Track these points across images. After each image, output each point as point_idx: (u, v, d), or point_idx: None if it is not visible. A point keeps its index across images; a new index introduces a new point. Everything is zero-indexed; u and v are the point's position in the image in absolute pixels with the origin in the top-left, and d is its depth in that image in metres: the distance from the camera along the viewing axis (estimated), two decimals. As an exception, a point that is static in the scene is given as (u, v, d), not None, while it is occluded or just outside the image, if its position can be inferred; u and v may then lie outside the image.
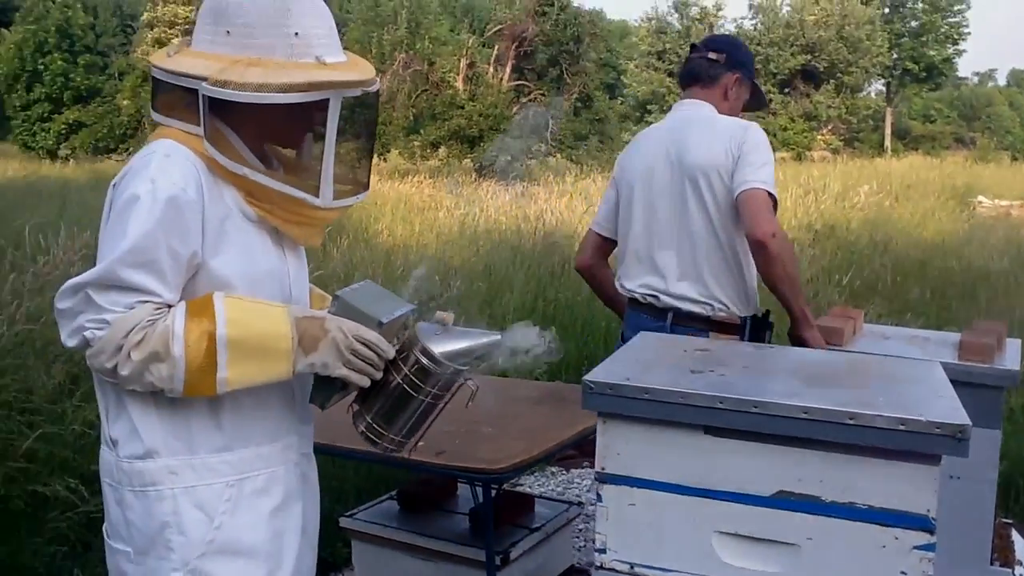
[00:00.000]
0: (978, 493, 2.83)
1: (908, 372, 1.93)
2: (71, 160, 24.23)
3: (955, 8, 47.10)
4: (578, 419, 2.85)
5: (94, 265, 1.51)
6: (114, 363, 1.47)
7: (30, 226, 6.20)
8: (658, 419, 1.71)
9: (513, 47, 24.23)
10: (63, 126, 25.69)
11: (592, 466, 4.53)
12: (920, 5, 47.12)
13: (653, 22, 37.21)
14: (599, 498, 1.78)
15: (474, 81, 22.78)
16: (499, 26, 25.01)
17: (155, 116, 1.66)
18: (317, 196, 1.60)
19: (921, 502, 1.60)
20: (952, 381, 2.01)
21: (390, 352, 1.62)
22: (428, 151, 21.65)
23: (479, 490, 2.80)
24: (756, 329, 2.82)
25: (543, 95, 23.01)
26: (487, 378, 3.89)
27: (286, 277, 1.70)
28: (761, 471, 1.68)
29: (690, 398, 1.68)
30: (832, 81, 35.09)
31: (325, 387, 1.66)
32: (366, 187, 1.72)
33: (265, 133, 1.65)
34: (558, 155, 23.23)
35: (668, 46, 35.85)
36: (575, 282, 5.99)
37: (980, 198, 17.65)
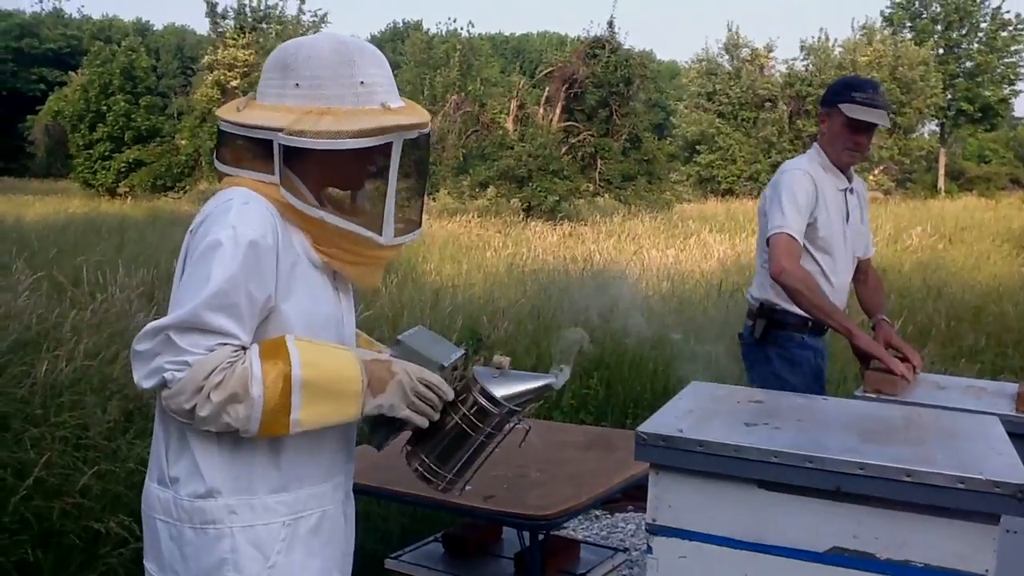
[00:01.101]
0: (1039, 550, 2.75)
1: (966, 427, 1.90)
2: (129, 197, 24.86)
3: (1011, 48, 46.53)
4: (626, 465, 2.84)
5: (164, 307, 1.57)
6: (193, 404, 1.52)
7: (89, 263, 6.38)
8: (711, 472, 1.70)
9: (563, 88, 24.37)
10: (123, 164, 26.38)
11: (636, 510, 4.50)
12: (975, 46, 46.64)
13: (704, 63, 37.26)
14: (650, 550, 1.77)
15: (524, 122, 22.94)
16: (550, 68, 25.20)
17: (222, 167, 1.71)
18: (381, 234, 1.66)
19: (979, 562, 1.56)
20: (1010, 434, 1.97)
21: (450, 394, 1.69)
22: (477, 191, 21.81)
23: (526, 535, 2.79)
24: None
25: (592, 136, 23.08)
26: (536, 422, 3.89)
27: (341, 322, 1.76)
28: (815, 527, 1.66)
29: (744, 452, 1.67)
30: (884, 122, 34.79)
31: (383, 428, 1.72)
32: (419, 224, 1.78)
33: (329, 178, 1.72)
34: (606, 195, 23.26)
35: (718, 87, 35.85)
36: (623, 324, 5.99)
37: (1038, 241, 17.24)
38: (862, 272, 3.52)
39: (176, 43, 61.47)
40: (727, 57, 37.03)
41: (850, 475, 1.60)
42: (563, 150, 22.34)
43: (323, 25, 28.05)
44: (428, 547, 3.30)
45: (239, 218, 1.58)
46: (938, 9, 46.64)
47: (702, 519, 1.73)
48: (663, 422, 1.81)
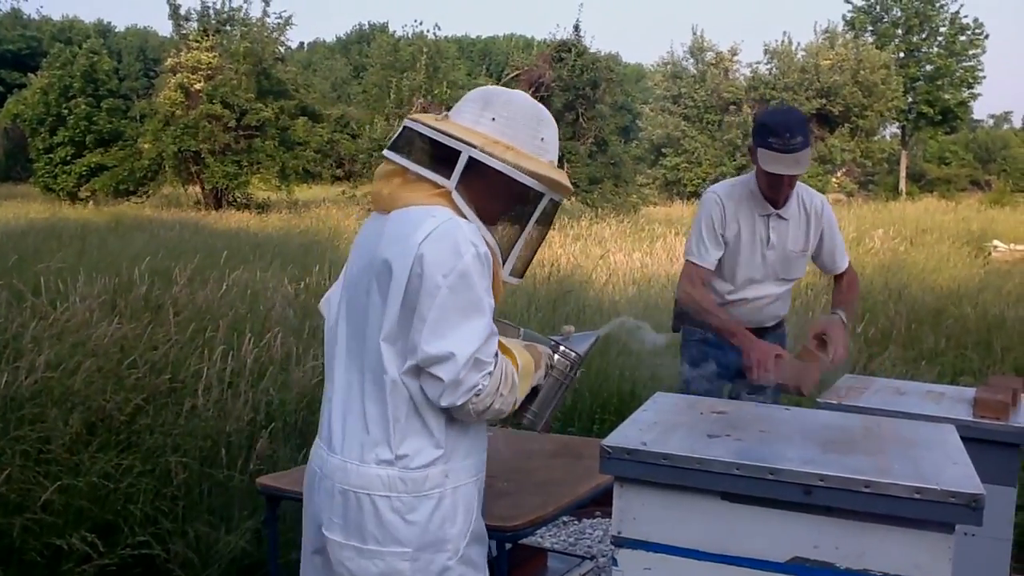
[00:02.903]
0: (993, 550, 2.82)
1: (923, 436, 1.94)
2: (91, 202, 24.51)
3: (970, 52, 47.32)
4: (593, 474, 2.84)
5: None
6: (491, 402, 1.86)
7: (50, 271, 6.29)
8: (675, 484, 1.73)
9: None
10: (84, 168, 25.97)
11: (604, 516, 4.51)
12: (935, 50, 47.38)
13: (669, 66, 37.50)
14: (615, 562, 1.79)
15: (490, 125, 22.95)
16: (516, 71, 25.22)
17: (396, 157, 1.94)
18: (502, 267, 1.96)
19: (936, 570, 1.60)
20: (967, 439, 2.01)
21: (552, 360, 2.13)
22: (443, 195, 21.77)
23: (492, 545, 2.79)
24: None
25: (559, 139, 23.14)
26: (503, 431, 3.89)
27: None
28: (777, 537, 1.68)
29: (707, 464, 1.70)
30: (847, 125, 35.17)
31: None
32: (522, 276, 2.07)
33: (482, 202, 1.93)
34: (572, 198, 23.32)
35: (683, 90, 36.09)
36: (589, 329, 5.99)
37: (996, 243, 17.56)
38: (836, 284, 3.65)
39: (139, 45, 60.77)
40: (692, 60, 37.30)
41: (811, 486, 1.62)
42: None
43: (288, 28, 27.78)
44: (396, 557, 3.29)
45: (472, 234, 1.86)
46: (899, 13, 47.34)
47: (666, 531, 1.75)
48: (627, 435, 1.83)
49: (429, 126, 1.93)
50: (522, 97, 2.01)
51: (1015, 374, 6.35)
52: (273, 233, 14.90)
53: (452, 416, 1.91)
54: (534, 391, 2.08)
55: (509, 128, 1.94)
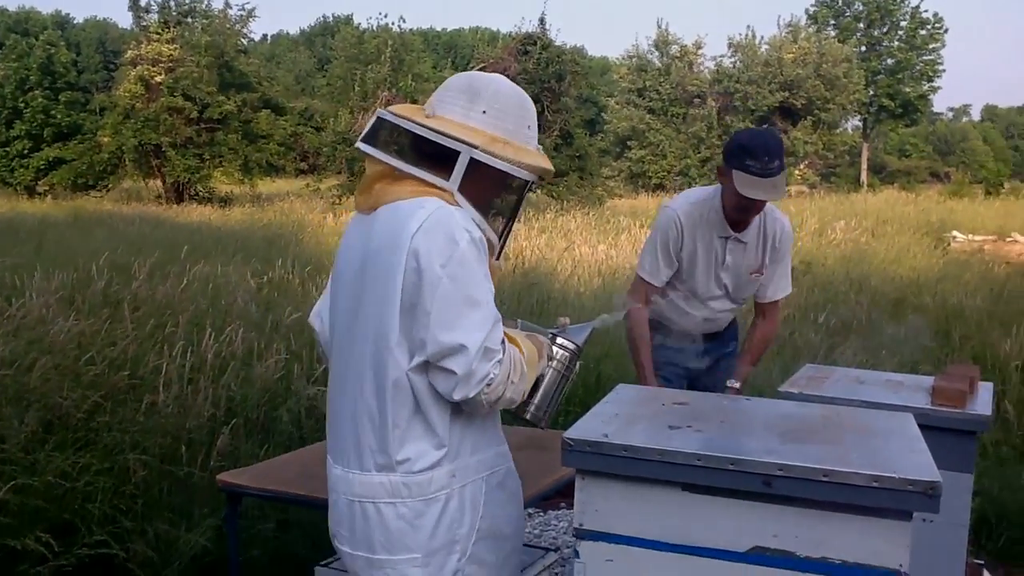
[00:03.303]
0: (951, 536, 2.85)
1: (882, 425, 1.95)
2: (49, 197, 24.10)
3: (929, 46, 47.99)
4: (557, 466, 2.84)
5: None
6: (503, 390, 1.83)
7: (6, 266, 6.17)
8: (637, 476, 1.72)
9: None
10: (42, 162, 25.51)
11: (569, 507, 4.51)
12: (896, 43, 47.98)
13: (634, 59, 37.63)
14: (577, 554, 1.79)
15: (455, 118, 22.83)
16: (481, 64, 25.13)
17: (396, 162, 1.89)
18: (497, 258, 1.96)
19: (893, 557, 1.61)
20: (925, 427, 2.03)
21: (552, 352, 2.09)
22: (408, 188, 21.63)
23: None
24: None
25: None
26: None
27: None
28: (737, 527, 1.69)
29: (668, 455, 1.70)
30: (809, 117, 35.54)
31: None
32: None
33: (476, 192, 1.90)
34: (538, 191, 23.31)
35: (648, 83, 36.24)
36: (554, 321, 5.99)
37: (954, 233, 17.85)
38: (761, 315, 3.55)
39: (98, 37, 59.85)
40: (657, 54, 37.46)
41: (771, 476, 1.63)
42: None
43: (251, 20, 27.48)
44: (360, 552, 3.27)
45: (465, 221, 1.84)
46: (860, 7, 47.89)
47: (628, 522, 1.75)
48: (589, 427, 1.83)
49: (422, 125, 1.88)
50: (506, 84, 1.98)
51: (973, 363, 6.46)
52: (236, 227, 14.75)
53: (457, 411, 1.87)
54: (536, 385, 2.05)
55: (501, 121, 1.92)
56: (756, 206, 3.17)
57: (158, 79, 24.27)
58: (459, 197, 1.85)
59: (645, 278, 3.36)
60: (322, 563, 3.22)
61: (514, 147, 1.90)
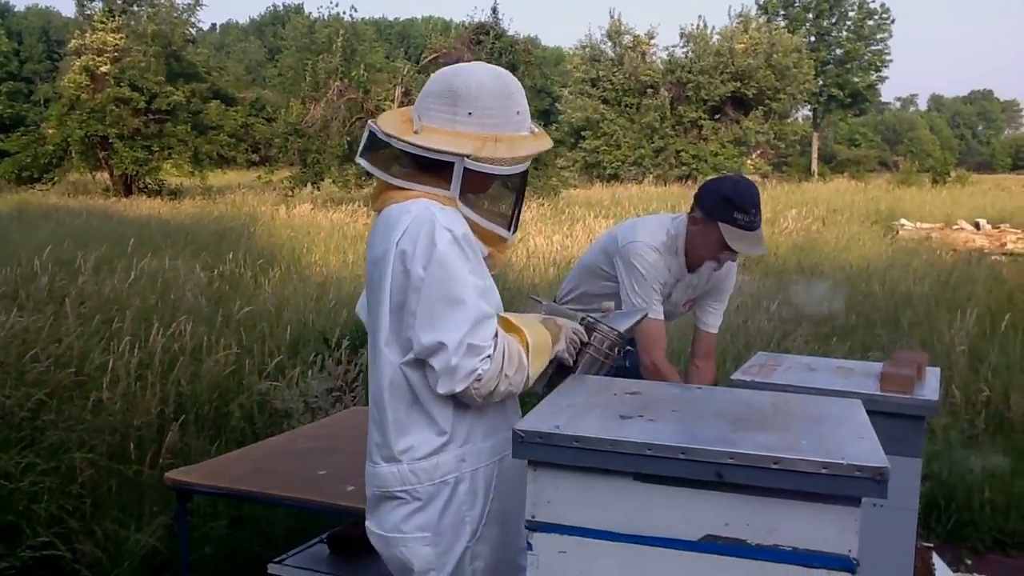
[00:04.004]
0: (900, 520, 2.89)
1: (831, 411, 1.96)
2: (-8, 190, 23.54)
3: (877, 36, 48.79)
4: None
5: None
6: (495, 385, 1.88)
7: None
8: (588, 467, 1.71)
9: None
10: (-16, 155, 24.96)
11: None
12: (844, 34, 48.69)
13: (587, 49, 37.70)
14: (530, 547, 1.77)
15: (409, 108, 22.69)
16: (434, 54, 25.01)
17: (394, 180, 1.97)
18: (509, 231, 2.06)
19: (843, 543, 1.62)
20: (874, 412, 2.05)
21: (585, 337, 2.16)
22: (363, 179, 21.45)
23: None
24: None
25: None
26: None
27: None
28: (689, 516, 1.69)
29: (619, 446, 1.69)
30: (761, 107, 35.90)
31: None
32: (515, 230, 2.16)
33: (475, 185, 1.98)
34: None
35: (602, 73, 36.33)
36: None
37: (903, 221, 18.18)
38: (703, 356, 3.45)
39: (41, 26, 58.38)
40: (610, 44, 37.57)
41: (721, 464, 1.63)
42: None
43: (198, 8, 27.02)
44: (313, 549, 3.24)
45: (446, 220, 1.89)
46: (809, -2, 48.47)
47: (581, 513, 1.74)
48: (539, 418, 1.82)
49: (410, 143, 1.93)
50: (486, 76, 1.98)
51: (921, 348, 6.58)
52: (186, 220, 14.53)
53: (460, 402, 1.94)
54: (567, 370, 2.12)
55: (488, 118, 1.94)
56: (731, 259, 3.11)
57: (104, 69, 23.76)
58: (461, 205, 1.94)
59: (657, 318, 3.08)
60: (275, 560, 3.19)
61: (506, 141, 1.95)
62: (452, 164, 1.91)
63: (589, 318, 2.20)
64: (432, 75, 2.06)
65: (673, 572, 1.69)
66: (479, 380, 1.86)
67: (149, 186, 24.33)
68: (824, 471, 1.59)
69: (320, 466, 2.97)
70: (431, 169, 1.94)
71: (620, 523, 1.72)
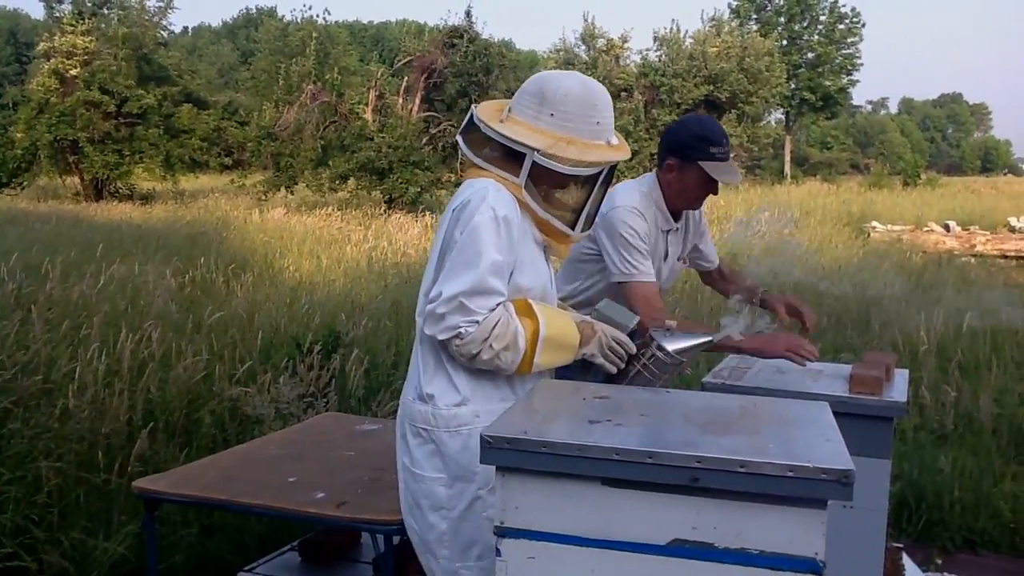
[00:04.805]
0: (870, 521, 2.91)
1: (798, 414, 1.97)
2: (-41, 194, 23.17)
3: (848, 40, 49.23)
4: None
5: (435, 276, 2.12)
6: (478, 351, 2.07)
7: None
8: (557, 472, 1.71)
9: (423, 78, 24.19)
10: (-49, 159, 24.52)
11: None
12: (816, 38, 49.09)
13: (561, 53, 37.74)
14: (498, 552, 1.77)
15: (383, 112, 22.60)
16: (408, 57, 24.96)
17: (476, 160, 2.20)
18: (573, 229, 2.24)
19: (809, 545, 1.63)
20: (843, 414, 2.06)
21: (633, 349, 2.31)
22: (337, 183, 21.34)
23: (380, 540, 2.75)
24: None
25: (453, 126, 22.98)
26: (391, 422, 3.83)
27: (549, 282, 2.31)
28: (657, 520, 1.69)
29: (587, 450, 1.69)
30: (734, 111, 36.09)
31: (584, 371, 2.31)
32: (586, 229, 2.32)
33: (546, 181, 2.19)
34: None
35: (575, 77, 36.35)
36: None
37: (874, 224, 18.33)
38: (716, 275, 3.57)
39: (9, 28, 57.72)
40: (584, 47, 37.64)
41: (688, 468, 1.63)
42: (424, 141, 22.17)
43: (170, 11, 26.79)
44: (284, 556, 3.22)
45: (495, 200, 2.10)
46: (781, 2, 48.87)
47: (549, 519, 1.74)
48: (508, 424, 1.81)
49: (496, 130, 2.16)
50: (575, 84, 2.20)
51: (891, 349, 6.63)
52: (158, 224, 14.38)
53: (477, 369, 2.13)
54: (613, 378, 2.29)
55: (569, 122, 2.16)
56: (716, 191, 3.13)
57: (73, 72, 23.46)
58: (525, 193, 2.15)
59: (644, 280, 2.97)
60: (246, 568, 3.17)
61: (578, 146, 2.15)
62: (525, 155, 2.13)
63: (649, 333, 2.32)
64: (531, 76, 2.31)
65: (641, 577, 1.69)
66: (460, 338, 2.05)
67: (120, 191, 24.06)
68: (790, 474, 1.60)
69: (290, 473, 2.94)
70: (511, 157, 2.15)
71: (588, 528, 1.72)
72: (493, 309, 2.07)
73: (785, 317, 3.19)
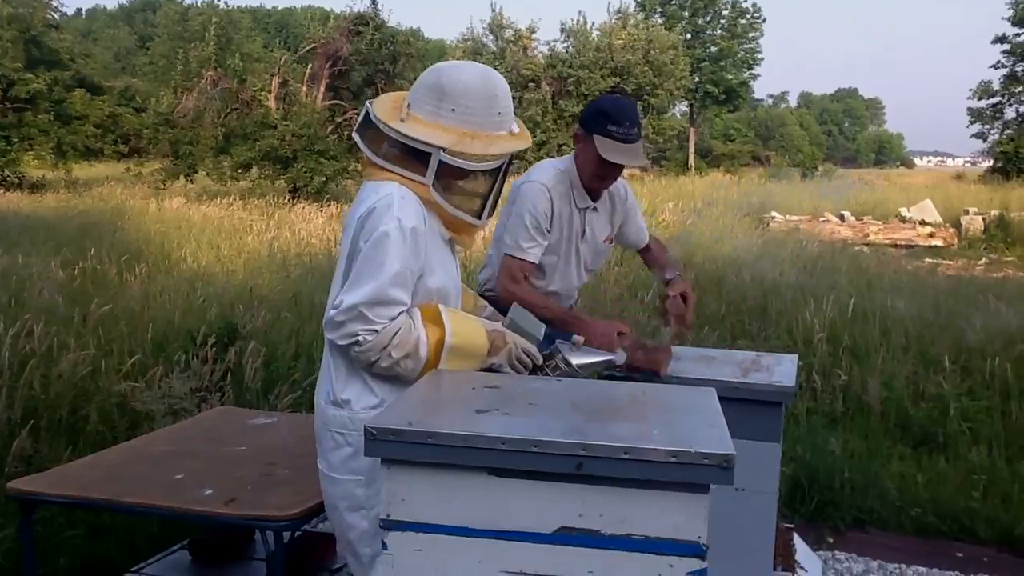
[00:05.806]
0: (760, 503, 2.97)
1: (685, 400, 1.99)
2: None
3: (750, 35, 50.44)
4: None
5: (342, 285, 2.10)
6: (377, 358, 2.08)
7: None
8: (443, 463, 1.69)
9: (328, 66, 23.81)
10: None
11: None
12: (719, 32, 50.16)
13: (469, 43, 37.63)
14: (385, 546, 1.73)
15: (287, 100, 22.16)
16: (313, 44, 24.52)
17: (377, 160, 2.19)
18: (479, 218, 2.25)
19: (692, 530, 1.64)
20: (733, 399, 2.08)
21: (540, 360, 2.33)
22: (239, 172, 20.82)
23: (270, 537, 2.68)
24: None
25: (358, 115, 22.65)
26: (287, 416, 3.75)
27: (455, 280, 2.34)
28: (544, 509, 1.68)
29: (473, 440, 1.67)
30: (640, 103, 36.59)
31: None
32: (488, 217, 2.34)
33: (450, 175, 2.18)
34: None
35: (483, 67, 36.30)
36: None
37: (773, 214, 18.83)
38: (644, 251, 3.62)
39: None
40: (492, 37, 37.61)
41: (573, 456, 1.63)
42: (329, 129, 21.81)
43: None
44: (174, 556, 3.12)
45: (401, 211, 2.09)
46: (685, -4, 49.71)
47: (436, 510, 1.71)
48: (393, 415, 1.78)
49: (398, 130, 2.15)
50: (474, 76, 2.18)
51: (787, 335, 6.82)
52: (47, 214, 13.79)
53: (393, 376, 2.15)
54: None
55: (471, 115, 2.15)
56: (613, 174, 3.13)
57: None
58: (433, 192, 2.14)
59: (520, 256, 3.10)
60: (132, 569, 3.06)
61: (483, 139, 2.15)
62: (430, 154, 2.12)
63: (555, 345, 2.37)
64: (430, 66, 2.28)
65: (528, 565, 1.68)
66: (359, 345, 2.06)
67: (8, 179, 23.01)
68: (673, 460, 1.61)
69: (178, 470, 2.85)
70: (414, 155, 2.14)
71: (476, 519, 1.70)
72: (394, 318, 2.07)
73: (670, 322, 3.27)
